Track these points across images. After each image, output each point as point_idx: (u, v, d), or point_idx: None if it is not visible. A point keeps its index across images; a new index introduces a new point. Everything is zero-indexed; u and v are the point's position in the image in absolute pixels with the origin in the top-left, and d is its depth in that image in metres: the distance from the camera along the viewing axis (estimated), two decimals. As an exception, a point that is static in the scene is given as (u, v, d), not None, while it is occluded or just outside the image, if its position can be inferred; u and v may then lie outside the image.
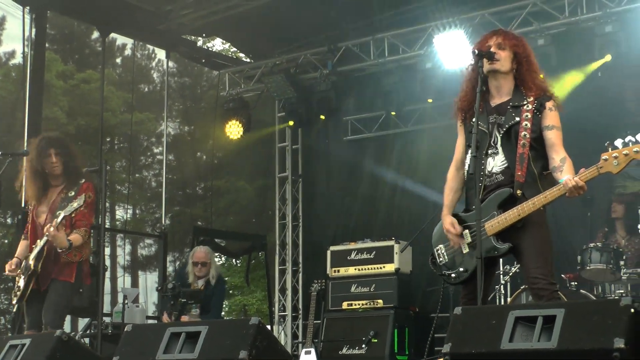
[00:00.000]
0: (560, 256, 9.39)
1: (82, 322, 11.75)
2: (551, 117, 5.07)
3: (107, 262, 22.46)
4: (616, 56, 9.70)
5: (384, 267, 9.93)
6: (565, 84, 9.90)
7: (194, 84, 28.90)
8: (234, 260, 24.24)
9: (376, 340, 9.48)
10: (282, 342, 11.95)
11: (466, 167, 5.16)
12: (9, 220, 25.90)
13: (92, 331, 9.79)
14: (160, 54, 20.67)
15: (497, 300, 8.81)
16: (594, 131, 9.22)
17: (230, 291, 26.07)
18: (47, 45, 12.70)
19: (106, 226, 10.72)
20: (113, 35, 13.58)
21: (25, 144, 9.43)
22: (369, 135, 12.51)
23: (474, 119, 5.03)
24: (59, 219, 6.37)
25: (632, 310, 3.83)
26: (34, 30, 10.43)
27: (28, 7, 10.34)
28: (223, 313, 10.93)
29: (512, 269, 8.87)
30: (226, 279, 25.59)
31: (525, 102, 5.11)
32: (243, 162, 22.63)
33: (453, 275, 5.25)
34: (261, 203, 22.81)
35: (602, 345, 3.76)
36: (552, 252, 5.09)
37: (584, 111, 9.50)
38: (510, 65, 5.18)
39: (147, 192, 29.15)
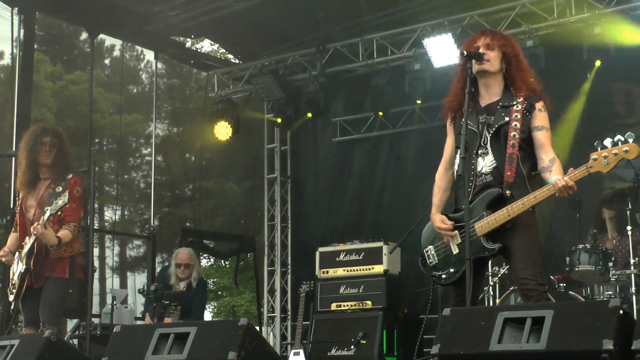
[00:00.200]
0: (549, 257, 9.42)
1: (71, 323, 11.69)
2: (540, 118, 5.07)
3: (96, 263, 22.40)
4: (605, 59, 9.74)
5: (372, 268, 9.93)
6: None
7: (183, 85, 28.86)
8: (222, 261, 24.25)
9: (365, 342, 9.46)
10: (271, 343, 11.94)
11: (455, 167, 5.16)
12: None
13: (81, 332, 9.74)
14: (149, 55, 20.60)
15: (486, 302, 8.80)
16: (582, 134, 9.25)
17: (219, 292, 26.07)
18: (35, 46, 12.62)
19: (95, 227, 10.66)
20: (102, 36, 13.56)
21: (14, 146, 9.40)
22: (358, 137, 12.48)
23: (463, 120, 5.03)
24: (46, 217, 6.37)
25: (621, 311, 3.84)
26: (22, 31, 10.40)
27: (17, 8, 10.30)
28: (211, 315, 10.90)
29: (501, 270, 8.85)
30: (214, 280, 25.77)
31: (514, 102, 5.11)
32: (232, 163, 22.64)
33: (443, 276, 5.24)
34: (250, 204, 22.77)
35: (591, 347, 3.78)
36: (541, 254, 5.09)
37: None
38: (499, 65, 5.17)
39: (136, 193, 29.12)
